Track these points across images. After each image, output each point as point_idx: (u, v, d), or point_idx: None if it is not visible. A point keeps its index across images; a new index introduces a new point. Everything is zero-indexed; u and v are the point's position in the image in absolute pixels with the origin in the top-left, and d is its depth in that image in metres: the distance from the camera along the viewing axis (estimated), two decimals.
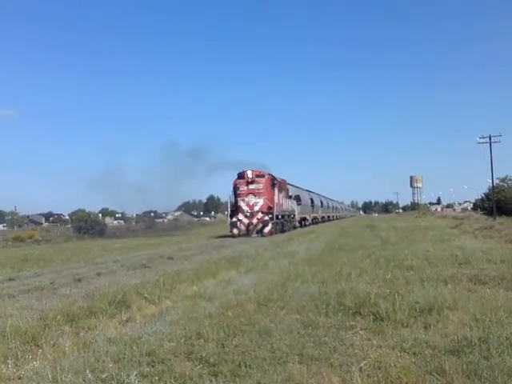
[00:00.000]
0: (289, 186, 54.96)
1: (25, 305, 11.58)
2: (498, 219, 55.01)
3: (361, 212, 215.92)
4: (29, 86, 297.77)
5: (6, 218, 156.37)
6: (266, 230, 41.65)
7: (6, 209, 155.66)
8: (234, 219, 42.64)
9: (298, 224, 58.88)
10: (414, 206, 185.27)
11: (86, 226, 69.98)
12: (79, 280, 15.90)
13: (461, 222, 53.42)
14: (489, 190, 78.95)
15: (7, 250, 41.75)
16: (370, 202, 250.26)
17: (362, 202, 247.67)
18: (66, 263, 23.21)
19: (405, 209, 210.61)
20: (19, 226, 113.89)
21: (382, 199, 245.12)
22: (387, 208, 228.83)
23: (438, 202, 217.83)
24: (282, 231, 46.64)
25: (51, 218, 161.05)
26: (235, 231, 41.83)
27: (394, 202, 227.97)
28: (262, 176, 43.76)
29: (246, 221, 42.31)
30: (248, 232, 41.99)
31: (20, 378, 6.40)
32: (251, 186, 42.83)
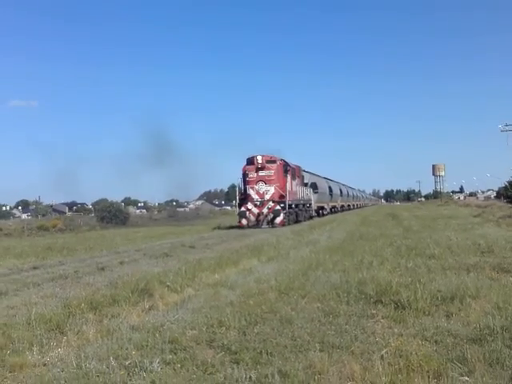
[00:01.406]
0: (304, 173, 52.27)
1: (49, 293, 11.70)
2: None
3: (382, 201, 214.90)
4: (47, 78, 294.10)
5: (31, 207, 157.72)
6: (278, 220, 38.30)
7: (31, 198, 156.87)
8: (243, 209, 39.27)
9: (314, 213, 56.09)
10: (436, 195, 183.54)
11: (109, 215, 70.30)
12: (102, 269, 16.02)
13: (484, 210, 52.87)
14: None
15: (32, 238, 42.10)
16: (392, 191, 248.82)
17: (384, 191, 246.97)
18: (89, 252, 23.33)
19: (427, 197, 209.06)
20: (43, 215, 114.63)
21: (404, 188, 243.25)
22: (409, 197, 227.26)
23: (461, 190, 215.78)
24: (297, 221, 43.70)
25: (74, 208, 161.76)
26: (244, 222, 38.73)
27: (416, 190, 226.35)
28: (274, 162, 40.22)
29: (255, 210, 38.85)
30: (258, 223, 38.62)
31: (45, 365, 6.46)
32: (261, 173, 39.38)
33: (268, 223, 38.24)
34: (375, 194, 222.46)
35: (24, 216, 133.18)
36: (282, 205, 38.53)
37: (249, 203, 38.82)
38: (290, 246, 20.45)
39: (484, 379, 5.42)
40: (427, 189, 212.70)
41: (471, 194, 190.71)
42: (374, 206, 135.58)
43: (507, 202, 77.76)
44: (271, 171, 39.20)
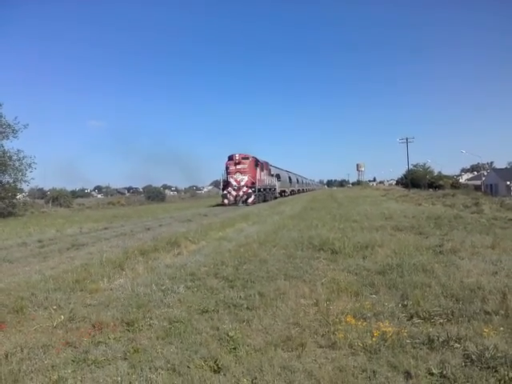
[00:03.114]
0: (271, 167, 48.91)
1: (114, 244, 11.64)
2: (412, 190, 55.03)
3: (325, 186, 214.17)
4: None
5: (103, 190, 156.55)
6: (250, 200, 35.78)
7: (103, 184, 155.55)
8: (225, 192, 36.67)
9: (278, 195, 52.97)
10: (359, 183, 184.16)
11: (153, 195, 70.11)
12: (148, 229, 15.95)
13: (388, 192, 53.18)
14: (406, 172, 78.77)
15: (104, 210, 41.88)
16: (331, 180, 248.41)
17: (326, 180, 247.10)
18: (140, 218, 23.20)
19: (353, 184, 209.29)
20: (111, 195, 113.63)
21: (339, 178, 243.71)
22: (342, 184, 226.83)
23: (374, 179, 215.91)
24: (265, 200, 41.14)
25: (131, 190, 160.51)
26: (226, 201, 36.20)
27: (346, 179, 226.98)
28: (247, 158, 37.42)
29: (234, 193, 36.28)
30: (236, 202, 36.14)
31: (111, 290, 6.43)
32: (238, 166, 36.66)
33: (243, 202, 35.96)
34: (321, 182, 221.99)
35: (99, 196, 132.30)
36: (253, 189, 36.42)
37: (229, 188, 36.53)
38: (267, 215, 20.41)
39: (385, 296, 5.48)
40: (353, 178, 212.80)
41: (380, 182, 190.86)
42: (320, 190, 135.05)
43: (403, 187, 78.23)
44: (245, 165, 36.83)
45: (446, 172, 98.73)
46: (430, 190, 63.39)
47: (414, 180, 78.64)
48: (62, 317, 5.06)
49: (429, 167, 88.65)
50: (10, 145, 52.63)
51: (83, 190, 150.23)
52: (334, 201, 34.75)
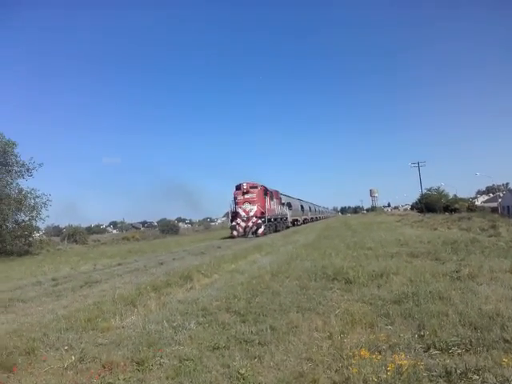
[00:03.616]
0: (282, 196, 47.46)
1: (127, 280, 11.61)
2: (427, 215, 54.40)
3: (339, 214, 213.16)
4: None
5: (118, 225, 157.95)
6: (260, 231, 34.08)
7: (118, 219, 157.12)
8: (234, 223, 35.06)
9: (290, 224, 51.29)
10: (373, 208, 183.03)
11: (167, 228, 70.39)
12: (161, 263, 15.90)
13: (403, 217, 52.58)
14: (420, 196, 78.11)
15: (118, 245, 42.01)
16: (345, 207, 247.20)
17: (340, 207, 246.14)
18: (154, 253, 23.18)
19: (367, 210, 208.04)
20: (126, 230, 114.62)
21: (353, 204, 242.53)
22: (356, 210, 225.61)
23: (389, 205, 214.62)
24: (276, 231, 39.52)
25: (146, 224, 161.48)
26: (234, 233, 34.57)
27: (360, 206, 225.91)
28: (256, 187, 35.76)
29: (243, 224, 34.64)
30: (245, 233, 34.37)
31: (123, 327, 6.38)
32: (247, 196, 35.08)
33: (253, 233, 34.12)
34: (334, 209, 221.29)
35: (114, 231, 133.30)
36: (262, 219, 34.76)
37: (238, 219, 34.83)
38: (280, 245, 20.24)
39: (401, 327, 5.35)
40: (367, 204, 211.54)
41: (395, 207, 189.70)
42: (334, 217, 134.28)
43: (418, 211, 77.40)
44: (254, 194, 35.14)
45: (461, 195, 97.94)
46: (446, 213, 62.61)
47: (429, 204, 77.87)
48: (73, 357, 5.02)
49: (443, 190, 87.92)
50: (26, 184, 53.51)
51: (98, 226, 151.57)
52: (348, 228, 34.44)
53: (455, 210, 69.05)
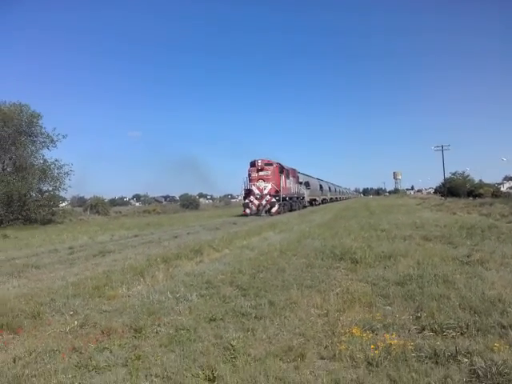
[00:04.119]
0: (299, 174, 45.47)
1: (140, 251, 11.85)
2: (448, 199, 53.54)
3: (361, 195, 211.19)
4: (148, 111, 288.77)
5: (141, 198, 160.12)
6: (273, 210, 32.75)
7: (142, 192, 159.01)
8: (247, 201, 33.60)
9: (307, 204, 49.47)
10: (395, 191, 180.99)
11: (188, 203, 71.11)
12: (176, 237, 16.15)
13: (424, 201, 51.89)
14: (444, 180, 76.74)
15: (139, 218, 42.63)
16: (367, 188, 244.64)
17: (362, 188, 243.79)
18: (171, 226, 23.52)
19: (390, 192, 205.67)
20: (149, 203, 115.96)
21: (375, 186, 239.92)
22: (379, 192, 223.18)
23: (412, 188, 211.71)
24: (291, 210, 38.04)
25: (168, 198, 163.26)
26: (247, 211, 33.13)
27: (383, 188, 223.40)
28: (271, 164, 34.35)
29: (256, 202, 33.20)
30: (258, 211, 32.98)
31: (128, 296, 6.54)
32: (261, 173, 33.70)
33: (266, 212, 32.84)
34: (357, 190, 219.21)
35: (137, 204, 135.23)
36: (276, 198, 33.25)
37: (251, 196, 33.42)
38: (295, 224, 20.24)
39: (399, 308, 5.33)
40: (390, 187, 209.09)
41: (419, 191, 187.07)
42: (355, 198, 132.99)
43: (441, 195, 76.06)
44: (268, 172, 33.82)
45: (487, 180, 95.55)
46: (470, 198, 61.36)
47: (453, 188, 76.41)
48: (76, 322, 5.19)
49: (468, 175, 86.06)
50: (50, 154, 54.56)
51: (122, 198, 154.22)
52: (367, 209, 34.13)
53: (479, 196, 67.56)
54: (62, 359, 4.04)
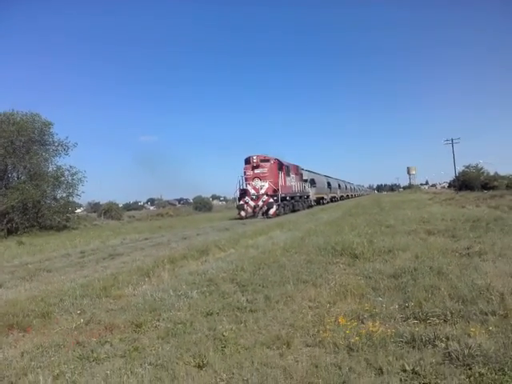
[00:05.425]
0: (303, 171, 42.54)
1: (148, 253, 12.17)
2: (460, 193, 53.20)
3: (375, 191, 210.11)
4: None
5: (155, 202, 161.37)
6: (271, 211, 29.55)
7: (156, 196, 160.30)
8: (241, 202, 30.50)
9: (314, 203, 46.39)
10: (410, 187, 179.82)
11: (201, 205, 71.73)
12: (185, 238, 16.45)
13: (435, 195, 51.65)
14: (455, 173, 76.25)
15: (151, 222, 43.10)
16: (381, 185, 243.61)
17: (376, 185, 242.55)
18: (182, 229, 23.83)
19: (404, 188, 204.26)
20: (163, 206, 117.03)
21: (389, 182, 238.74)
22: (393, 188, 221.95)
23: (427, 183, 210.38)
24: (293, 211, 35.11)
25: (182, 201, 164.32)
26: (242, 213, 30.15)
27: (397, 183, 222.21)
28: (267, 160, 31.21)
29: (252, 203, 30.18)
30: (254, 214, 30.18)
31: (134, 295, 6.83)
32: (257, 171, 30.65)
33: (263, 214, 29.86)
34: (370, 186, 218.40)
35: (151, 208, 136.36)
36: (275, 198, 30.07)
37: (246, 197, 30.46)
38: (303, 222, 20.41)
39: (390, 299, 5.52)
40: (404, 182, 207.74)
41: (433, 185, 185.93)
42: (368, 195, 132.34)
43: (454, 189, 75.44)
44: (265, 169, 30.68)
45: (503, 172, 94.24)
46: (485, 191, 60.75)
47: (467, 182, 75.74)
48: (82, 320, 5.51)
49: (481, 168, 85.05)
50: (63, 161, 55.58)
51: (136, 202, 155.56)
52: (378, 206, 34.05)
53: (493, 188, 66.82)
54: (66, 352, 4.36)
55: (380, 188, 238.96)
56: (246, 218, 29.53)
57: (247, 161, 31.65)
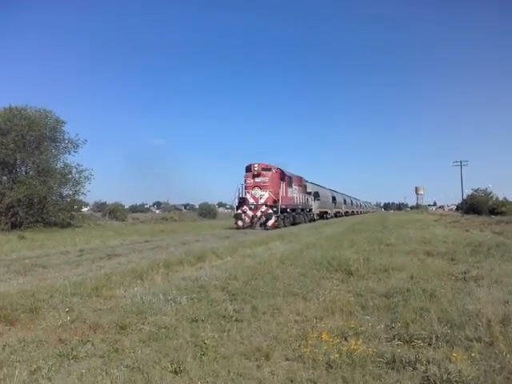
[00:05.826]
0: (308, 184, 41.42)
1: (145, 256, 12.20)
2: (466, 216, 52.87)
3: (382, 209, 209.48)
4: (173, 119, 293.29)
5: (162, 205, 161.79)
6: (270, 223, 28.36)
7: (163, 200, 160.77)
8: (239, 211, 29.36)
9: (317, 217, 44.92)
10: (417, 206, 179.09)
11: (206, 212, 71.87)
12: (184, 243, 16.48)
13: (441, 217, 51.38)
14: (463, 196, 75.86)
15: (155, 225, 43.14)
16: (389, 203, 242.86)
17: (383, 203, 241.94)
18: (183, 234, 23.87)
19: (412, 208, 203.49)
20: (168, 211, 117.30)
21: (396, 201, 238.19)
22: (400, 207, 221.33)
23: (435, 203, 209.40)
24: (294, 223, 33.49)
25: (188, 207, 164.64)
26: (240, 223, 29.01)
27: (404, 202, 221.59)
28: (269, 169, 30.06)
29: (250, 213, 29.00)
30: (252, 224, 28.92)
31: (124, 297, 6.84)
32: (257, 179, 29.52)
33: (261, 225, 28.75)
34: (377, 204, 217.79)
35: (157, 211, 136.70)
36: (274, 209, 28.90)
37: (245, 206, 29.33)
38: (305, 235, 20.41)
39: (378, 318, 5.49)
40: (412, 202, 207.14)
41: (440, 207, 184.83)
42: (375, 212, 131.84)
43: (462, 212, 74.93)
44: (266, 178, 29.58)
45: (511, 198, 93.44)
46: (492, 216, 60.24)
47: (475, 205, 75.19)
48: (68, 318, 5.52)
49: (490, 192, 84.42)
50: (72, 159, 55.97)
51: (143, 205, 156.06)
52: (382, 224, 33.93)
53: (501, 213, 66.25)
54: (46, 349, 4.37)
55: (387, 206, 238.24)
56: (244, 227, 28.69)
57: (248, 169, 30.66)
